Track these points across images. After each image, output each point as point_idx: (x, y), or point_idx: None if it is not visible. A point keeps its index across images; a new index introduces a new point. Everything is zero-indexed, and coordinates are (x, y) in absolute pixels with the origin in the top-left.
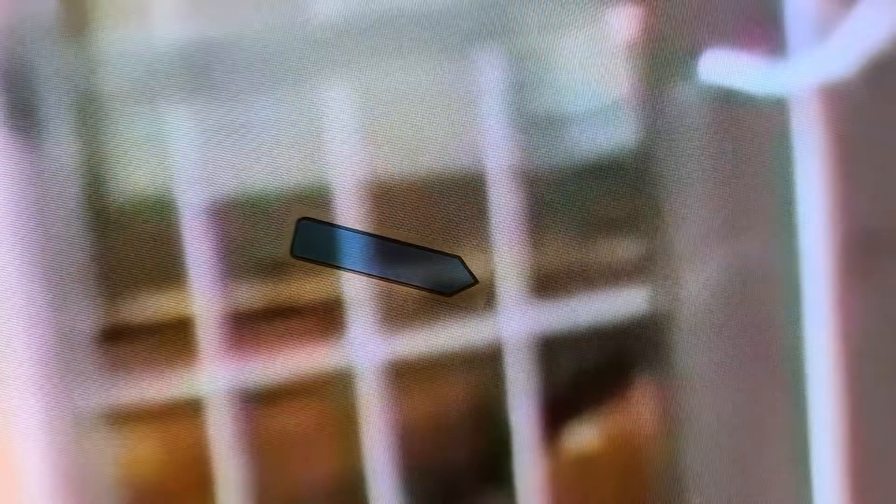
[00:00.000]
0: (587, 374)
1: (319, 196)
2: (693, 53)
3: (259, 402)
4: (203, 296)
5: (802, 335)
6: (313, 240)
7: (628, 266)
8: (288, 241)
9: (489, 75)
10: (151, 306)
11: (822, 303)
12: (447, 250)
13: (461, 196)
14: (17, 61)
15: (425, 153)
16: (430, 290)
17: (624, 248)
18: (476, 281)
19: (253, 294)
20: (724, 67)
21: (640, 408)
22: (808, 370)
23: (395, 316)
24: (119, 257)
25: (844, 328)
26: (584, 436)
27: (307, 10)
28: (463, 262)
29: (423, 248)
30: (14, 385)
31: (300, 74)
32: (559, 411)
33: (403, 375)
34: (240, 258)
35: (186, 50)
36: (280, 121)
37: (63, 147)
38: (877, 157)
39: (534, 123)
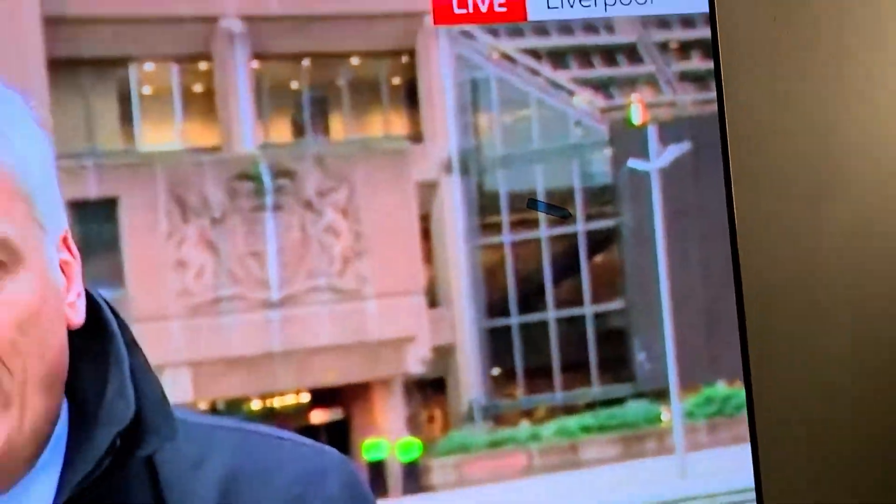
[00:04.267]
0: (597, 232)
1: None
2: (624, 160)
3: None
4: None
5: (657, 258)
6: (534, 203)
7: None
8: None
9: (577, 173)
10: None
11: (662, 248)
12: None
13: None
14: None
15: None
16: (560, 217)
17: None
18: (570, 214)
19: (516, 216)
20: (632, 172)
21: (614, 248)
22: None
23: (550, 222)
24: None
25: (670, 258)
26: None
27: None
28: (568, 211)
29: (557, 207)
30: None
31: (515, 157)
32: (592, 246)
33: (554, 238)
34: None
35: (486, 145)
36: (513, 164)
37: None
38: (676, 192)
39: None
